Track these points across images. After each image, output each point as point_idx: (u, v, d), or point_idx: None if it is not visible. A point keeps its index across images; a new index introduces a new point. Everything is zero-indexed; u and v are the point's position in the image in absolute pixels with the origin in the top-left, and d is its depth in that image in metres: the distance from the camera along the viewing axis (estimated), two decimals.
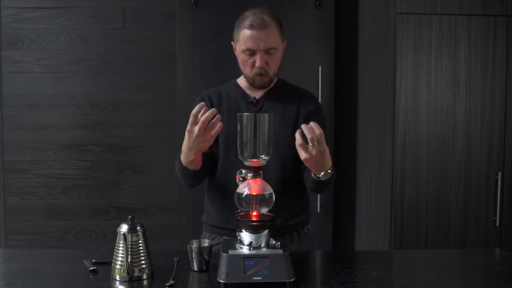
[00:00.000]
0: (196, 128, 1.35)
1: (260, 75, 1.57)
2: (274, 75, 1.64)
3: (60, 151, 2.87)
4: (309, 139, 1.29)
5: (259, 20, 1.52)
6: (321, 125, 1.65)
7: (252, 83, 1.61)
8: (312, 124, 1.30)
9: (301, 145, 1.31)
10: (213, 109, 1.34)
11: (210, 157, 1.63)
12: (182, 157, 1.49)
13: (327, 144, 1.36)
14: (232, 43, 1.64)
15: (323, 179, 1.42)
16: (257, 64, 1.55)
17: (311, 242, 1.72)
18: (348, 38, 2.85)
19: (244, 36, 1.54)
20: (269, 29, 1.53)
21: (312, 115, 1.64)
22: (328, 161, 1.39)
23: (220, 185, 1.62)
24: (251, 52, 1.55)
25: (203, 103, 1.36)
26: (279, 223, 1.54)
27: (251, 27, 1.52)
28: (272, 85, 1.67)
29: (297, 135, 1.31)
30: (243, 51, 1.56)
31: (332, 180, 1.49)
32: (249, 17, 1.54)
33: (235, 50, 1.63)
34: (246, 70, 1.59)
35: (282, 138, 1.57)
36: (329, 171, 1.41)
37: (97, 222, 2.90)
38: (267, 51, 1.55)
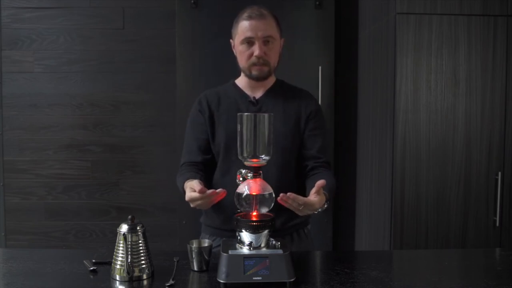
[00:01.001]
0: (198, 202, 1.36)
1: (258, 65, 1.57)
2: (274, 68, 1.63)
3: (60, 151, 2.87)
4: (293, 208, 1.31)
5: (257, 12, 1.55)
6: (319, 125, 1.67)
7: (249, 75, 1.60)
8: (290, 195, 1.28)
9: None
10: (213, 190, 1.34)
11: (208, 163, 1.64)
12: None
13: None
14: (231, 40, 1.64)
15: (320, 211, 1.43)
16: (256, 53, 1.55)
17: (311, 243, 1.73)
18: (348, 38, 2.85)
19: (242, 27, 1.55)
20: (267, 20, 1.55)
21: (314, 116, 1.65)
22: (319, 203, 1.37)
23: (220, 185, 1.62)
24: (250, 42, 1.55)
25: (198, 192, 1.33)
26: (280, 224, 1.55)
27: (249, 17, 1.54)
28: (271, 84, 1.67)
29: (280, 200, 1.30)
30: (242, 42, 1.56)
31: (331, 197, 1.51)
32: (247, 11, 1.56)
33: (234, 47, 1.63)
34: (244, 61, 1.59)
35: (282, 137, 1.57)
36: (325, 206, 1.42)
37: (97, 222, 2.90)
38: (265, 41, 1.55)
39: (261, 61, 1.56)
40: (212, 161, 1.65)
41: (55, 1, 2.80)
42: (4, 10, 2.80)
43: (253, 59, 1.56)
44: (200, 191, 1.32)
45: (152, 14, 2.83)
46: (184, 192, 1.46)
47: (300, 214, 1.36)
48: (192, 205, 1.39)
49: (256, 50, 1.55)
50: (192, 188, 1.38)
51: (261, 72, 1.59)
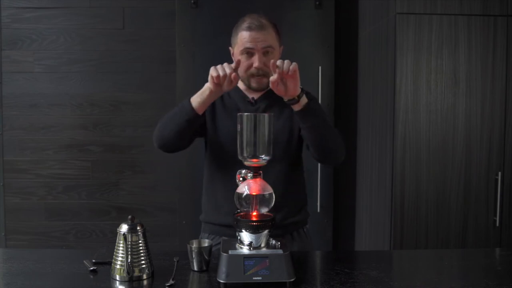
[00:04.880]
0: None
1: (258, 76, 1.57)
2: None
3: (60, 151, 2.86)
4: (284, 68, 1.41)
5: (257, 22, 1.55)
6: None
7: (248, 85, 1.61)
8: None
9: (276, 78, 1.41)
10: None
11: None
12: (194, 98, 1.52)
13: None
14: (230, 48, 1.65)
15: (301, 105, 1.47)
16: (255, 64, 1.55)
17: (310, 241, 1.73)
18: (348, 38, 2.85)
19: (242, 37, 1.56)
20: (267, 31, 1.56)
21: None
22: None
23: (220, 185, 1.62)
24: (249, 53, 1.55)
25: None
26: (279, 219, 1.55)
27: (249, 28, 1.54)
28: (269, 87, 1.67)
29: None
30: (241, 52, 1.57)
31: (316, 112, 1.54)
32: (246, 20, 1.56)
33: (233, 55, 1.64)
34: (242, 71, 1.59)
35: (281, 138, 1.57)
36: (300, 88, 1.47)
37: (97, 222, 2.89)
38: (265, 52, 1.55)
39: (260, 72, 1.57)
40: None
41: (55, 1, 2.80)
42: (4, 10, 2.80)
43: (252, 70, 1.57)
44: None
45: (152, 14, 2.83)
46: (183, 112, 1.53)
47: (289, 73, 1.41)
48: (215, 74, 1.44)
49: (256, 61, 1.55)
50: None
51: (259, 84, 1.60)
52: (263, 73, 1.57)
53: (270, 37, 1.56)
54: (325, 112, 1.67)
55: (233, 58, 1.64)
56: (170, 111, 1.61)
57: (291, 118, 1.62)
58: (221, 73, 1.43)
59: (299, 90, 1.46)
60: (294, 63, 1.43)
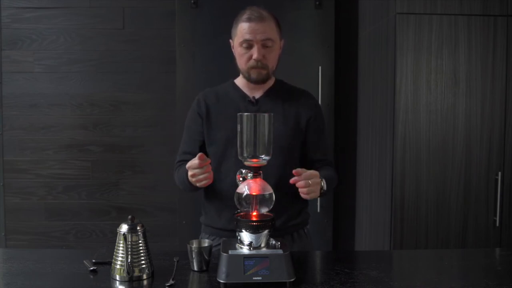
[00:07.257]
0: (197, 171, 1.44)
1: (257, 68, 1.57)
2: (272, 72, 1.63)
3: (60, 151, 2.87)
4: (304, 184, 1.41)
5: (256, 14, 1.54)
6: (321, 127, 1.68)
7: (248, 77, 1.60)
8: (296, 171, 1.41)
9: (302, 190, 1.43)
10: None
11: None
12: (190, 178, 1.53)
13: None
14: (230, 41, 1.64)
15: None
16: (254, 56, 1.55)
17: (310, 242, 1.73)
18: (348, 38, 2.85)
19: (241, 29, 1.55)
20: (267, 22, 1.55)
21: (315, 119, 1.66)
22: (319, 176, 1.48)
23: (220, 185, 1.62)
24: (248, 45, 1.55)
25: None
26: (280, 223, 1.55)
27: (249, 19, 1.54)
28: (270, 85, 1.67)
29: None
30: (241, 44, 1.56)
31: (329, 189, 1.57)
32: (247, 12, 1.56)
33: (233, 47, 1.63)
34: (242, 63, 1.59)
35: (282, 138, 1.57)
36: (323, 191, 1.50)
37: (97, 222, 2.89)
38: (264, 44, 1.55)
39: (260, 64, 1.56)
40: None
41: (55, 1, 2.80)
42: (4, 10, 2.80)
43: (252, 62, 1.56)
44: (200, 157, 1.38)
45: (152, 14, 2.83)
46: (189, 182, 1.53)
47: (309, 194, 1.42)
48: (190, 174, 1.45)
49: (255, 53, 1.54)
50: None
51: (259, 75, 1.59)
52: (262, 65, 1.56)
53: (269, 29, 1.55)
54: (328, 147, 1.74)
55: (233, 51, 1.64)
56: (178, 173, 1.65)
57: (294, 124, 1.62)
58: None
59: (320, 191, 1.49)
60: (307, 189, 1.44)
